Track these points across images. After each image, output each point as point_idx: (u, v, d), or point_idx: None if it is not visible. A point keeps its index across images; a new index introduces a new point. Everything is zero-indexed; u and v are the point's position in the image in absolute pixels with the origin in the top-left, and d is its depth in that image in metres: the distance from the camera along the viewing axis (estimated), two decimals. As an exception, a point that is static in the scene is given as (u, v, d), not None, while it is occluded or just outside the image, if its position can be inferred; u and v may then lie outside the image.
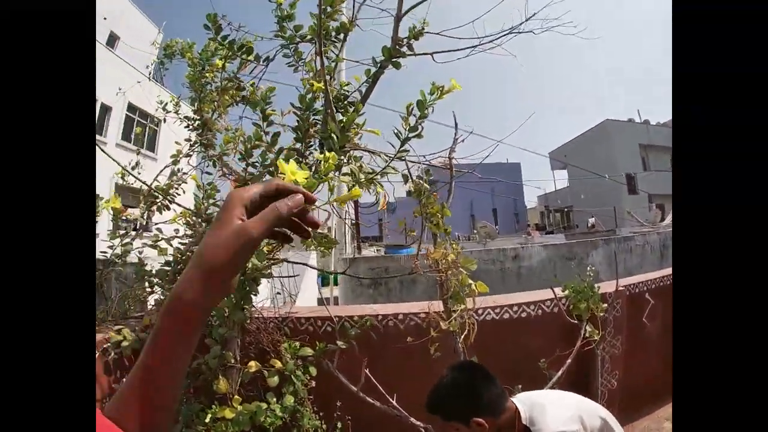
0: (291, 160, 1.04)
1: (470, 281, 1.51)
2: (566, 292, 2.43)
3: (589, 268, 2.54)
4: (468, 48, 2.13)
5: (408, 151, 1.35)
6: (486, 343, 1.83)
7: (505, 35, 2.15)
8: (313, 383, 1.94)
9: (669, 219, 15.58)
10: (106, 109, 14.99)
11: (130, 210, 2.58)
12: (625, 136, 25.53)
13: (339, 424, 2.11)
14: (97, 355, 1.82)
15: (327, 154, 0.73)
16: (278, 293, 1.97)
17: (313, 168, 1.07)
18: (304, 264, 1.70)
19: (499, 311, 2.33)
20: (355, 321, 1.95)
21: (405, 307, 2.26)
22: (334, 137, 1.31)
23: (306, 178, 0.76)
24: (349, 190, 0.77)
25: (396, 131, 1.32)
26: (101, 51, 13.36)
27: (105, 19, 15.05)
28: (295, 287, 2.26)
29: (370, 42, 2.16)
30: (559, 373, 2.14)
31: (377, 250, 9.25)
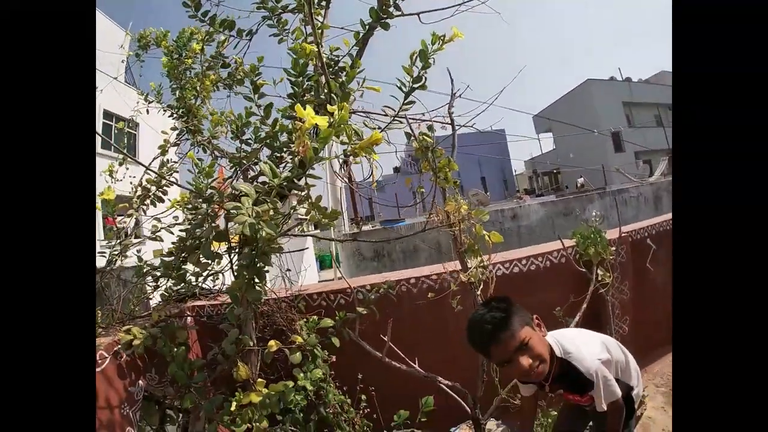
0: (307, 105, 0.98)
1: (484, 232, 1.49)
2: (573, 240, 2.44)
3: (594, 213, 2.55)
4: (453, 6, 2.07)
5: (414, 102, 1.31)
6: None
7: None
8: (334, 357, 1.93)
9: (657, 174, 15.75)
10: (80, 119, 14.51)
11: (119, 218, 2.51)
12: (608, 95, 25.58)
13: (363, 396, 2.11)
14: (108, 359, 1.77)
15: (340, 103, 0.69)
16: (288, 269, 1.94)
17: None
18: (312, 235, 1.66)
19: (509, 266, 2.33)
20: (368, 289, 1.93)
21: (416, 271, 2.25)
22: (334, 97, 1.26)
23: (325, 123, 0.74)
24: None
25: (399, 83, 1.27)
26: None
27: None
28: (302, 264, 2.23)
29: (352, 11, 2.09)
30: (576, 318, 2.15)
31: (373, 226, 9.26)
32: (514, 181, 33.69)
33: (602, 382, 1.22)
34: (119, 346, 1.82)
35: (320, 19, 1.99)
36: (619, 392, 1.26)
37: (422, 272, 2.18)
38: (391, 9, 1.82)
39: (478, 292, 1.69)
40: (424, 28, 1.94)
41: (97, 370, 1.65)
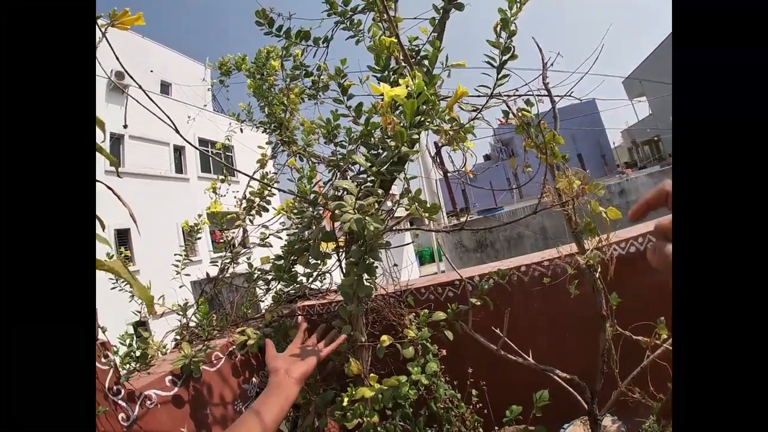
0: (382, 83, 0.95)
1: (601, 209, 1.35)
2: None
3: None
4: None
5: (509, 75, 1.23)
6: (621, 280, 1.65)
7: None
8: (444, 351, 1.90)
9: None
10: (180, 150, 16.35)
11: (227, 232, 2.73)
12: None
13: (474, 391, 2.05)
14: (223, 360, 1.91)
15: (413, 71, 0.65)
16: (395, 264, 1.95)
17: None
18: (416, 229, 1.65)
19: (625, 245, 2.10)
20: (477, 280, 1.86)
21: (526, 258, 2.13)
22: (414, 72, 1.23)
23: (403, 93, 0.72)
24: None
25: (488, 58, 1.20)
26: (156, 99, 14.72)
27: (152, 71, 16.37)
28: (403, 260, 2.23)
29: (422, 1, 2.04)
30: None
31: (470, 216, 9.11)
32: (612, 155, 30.85)
33: None
34: (234, 347, 1.97)
35: (392, 13, 1.97)
36: None
37: (533, 259, 2.06)
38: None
39: (597, 275, 1.55)
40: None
41: (212, 369, 1.80)
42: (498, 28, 1.26)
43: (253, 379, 2.06)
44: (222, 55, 2.79)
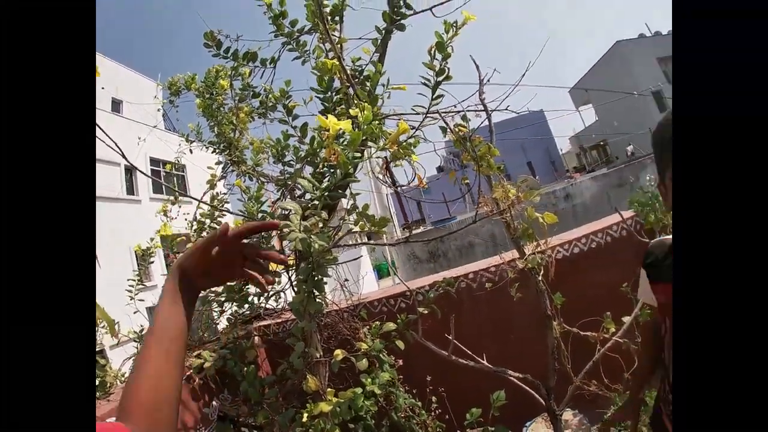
0: (329, 114, 1.00)
1: (537, 214, 1.44)
2: (631, 210, 2.31)
3: (648, 178, 2.40)
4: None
5: (443, 96, 1.30)
6: (566, 280, 1.76)
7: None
8: (400, 362, 1.93)
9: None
10: (131, 171, 15.63)
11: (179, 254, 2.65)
12: (641, 53, 24.10)
13: (434, 398, 2.09)
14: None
15: (361, 105, 0.69)
16: (346, 280, 1.97)
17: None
18: (363, 244, 1.69)
19: (569, 246, 2.24)
20: (427, 289, 1.92)
21: (473, 266, 2.22)
22: (364, 104, 1.28)
23: (348, 128, 0.75)
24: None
25: (423, 80, 1.27)
26: (107, 117, 13.98)
27: (103, 88, 15.62)
28: (358, 274, 2.26)
29: (367, 21, 2.11)
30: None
31: (424, 228, 9.23)
32: (561, 161, 32.37)
33: None
34: (191, 371, 1.92)
35: (336, 34, 2.03)
36: None
37: (480, 266, 2.15)
38: (403, 9, 1.83)
39: (539, 278, 1.64)
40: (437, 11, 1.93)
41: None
42: (433, 51, 1.33)
43: (213, 402, 2.01)
44: (173, 75, 2.74)
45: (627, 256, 2.30)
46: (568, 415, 2.11)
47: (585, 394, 1.85)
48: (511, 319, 2.08)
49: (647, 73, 23.31)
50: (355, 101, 1.46)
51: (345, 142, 1.15)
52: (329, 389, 1.73)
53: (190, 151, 2.99)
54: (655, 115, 21.95)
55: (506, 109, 1.75)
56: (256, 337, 2.22)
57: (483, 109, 1.59)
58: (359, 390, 1.68)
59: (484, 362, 1.83)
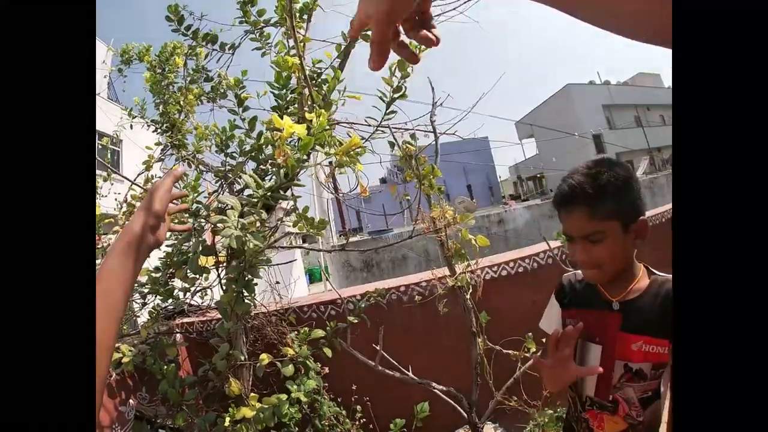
0: (285, 116, 1.00)
1: (470, 236, 1.51)
2: (559, 241, 2.48)
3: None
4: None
5: (395, 112, 1.33)
6: (491, 300, 1.85)
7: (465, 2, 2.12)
8: (327, 369, 1.92)
9: (639, 172, 15.98)
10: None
11: (104, 238, 2.47)
12: (588, 99, 26.12)
13: (358, 407, 2.10)
14: None
15: (318, 110, 0.70)
16: (277, 282, 1.93)
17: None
18: (299, 247, 1.67)
19: (497, 269, 2.35)
20: (358, 299, 1.93)
21: (405, 279, 2.26)
22: (317, 108, 1.28)
23: (303, 133, 0.75)
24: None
25: (380, 93, 1.30)
26: None
27: None
28: (290, 277, 2.22)
29: (334, 24, 2.12)
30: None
31: (361, 237, 9.26)
32: (499, 188, 34.04)
33: None
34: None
35: (302, 32, 2.02)
36: None
37: (411, 280, 2.19)
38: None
39: (467, 296, 1.71)
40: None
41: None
42: (393, 68, 1.37)
43: (130, 400, 1.87)
44: (128, 42, 2.56)
45: (550, 282, 2.46)
46: (489, 428, 2.21)
47: (506, 408, 1.95)
48: (440, 334, 2.15)
49: (591, 118, 25.28)
50: (310, 103, 1.46)
51: (296, 145, 1.14)
52: (253, 394, 1.68)
53: (131, 127, 2.80)
54: (592, 157, 23.78)
55: (454, 134, 1.84)
56: (179, 335, 2.11)
57: (432, 130, 1.65)
58: (284, 396, 1.65)
59: (410, 374, 1.87)
